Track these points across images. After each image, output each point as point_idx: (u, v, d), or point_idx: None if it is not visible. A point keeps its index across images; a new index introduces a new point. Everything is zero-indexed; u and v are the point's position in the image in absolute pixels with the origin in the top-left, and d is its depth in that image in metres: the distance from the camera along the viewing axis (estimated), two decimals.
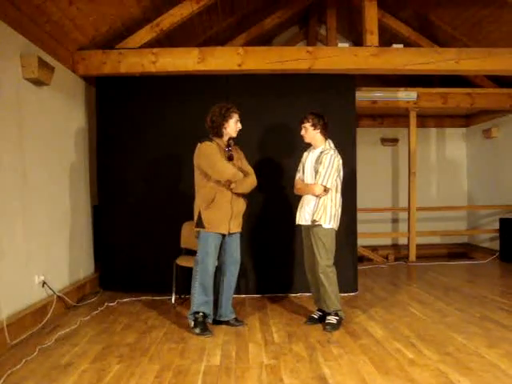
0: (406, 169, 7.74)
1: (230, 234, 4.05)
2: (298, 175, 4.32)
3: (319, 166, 4.05)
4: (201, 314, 3.98)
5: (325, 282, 4.06)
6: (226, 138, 4.09)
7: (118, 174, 5.40)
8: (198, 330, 3.92)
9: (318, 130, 4.16)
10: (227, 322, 4.18)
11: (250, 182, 4.11)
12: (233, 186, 3.96)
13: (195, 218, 4.03)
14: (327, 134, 4.22)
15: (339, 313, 4.12)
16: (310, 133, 4.17)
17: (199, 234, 4.03)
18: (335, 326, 4.02)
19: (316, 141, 4.20)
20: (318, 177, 4.04)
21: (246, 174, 4.07)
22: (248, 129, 5.27)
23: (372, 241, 8.19)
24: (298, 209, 4.26)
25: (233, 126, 4.05)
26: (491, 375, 2.97)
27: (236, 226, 4.09)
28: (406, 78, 7.67)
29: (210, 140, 4.01)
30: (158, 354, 3.46)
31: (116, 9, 4.90)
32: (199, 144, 4.02)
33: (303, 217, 4.18)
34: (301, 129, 4.23)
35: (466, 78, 7.42)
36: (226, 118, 4.01)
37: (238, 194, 4.05)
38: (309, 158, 4.25)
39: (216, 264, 4.09)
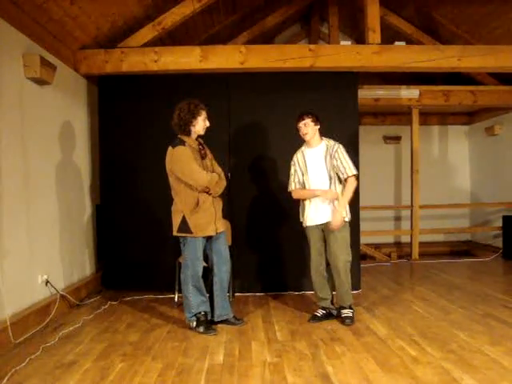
0: (408, 166, 7.73)
1: (217, 234, 4.04)
2: (296, 180, 4.26)
3: (336, 161, 4.07)
4: (202, 313, 3.99)
5: (344, 277, 4.10)
6: (194, 137, 4.00)
7: (121, 173, 5.41)
8: (202, 329, 3.93)
9: (318, 126, 4.16)
10: (226, 321, 4.15)
11: (224, 184, 4.10)
12: (211, 191, 3.93)
13: (177, 223, 3.95)
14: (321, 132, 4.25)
15: (352, 306, 4.21)
16: (313, 128, 4.13)
17: (185, 240, 3.97)
18: (353, 319, 4.11)
19: (315, 138, 4.18)
20: (344, 171, 4.05)
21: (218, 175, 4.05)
22: (250, 127, 5.31)
23: (375, 239, 8.18)
24: (312, 210, 4.17)
25: (201, 124, 3.96)
26: (494, 372, 2.97)
27: (221, 225, 4.09)
28: (408, 76, 7.66)
29: (183, 143, 3.91)
30: (161, 353, 3.47)
31: (118, 7, 4.90)
32: (171, 148, 3.91)
33: (322, 216, 4.13)
34: (298, 128, 4.17)
35: (469, 75, 7.41)
36: (194, 115, 3.91)
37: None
38: (311, 157, 4.20)
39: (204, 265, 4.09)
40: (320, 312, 4.26)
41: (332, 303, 4.30)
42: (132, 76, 5.32)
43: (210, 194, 3.94)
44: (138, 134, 5.38)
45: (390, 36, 6.67)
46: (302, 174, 4.23)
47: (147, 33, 5.26)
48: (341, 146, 4.14)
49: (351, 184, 4.10)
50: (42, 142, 4.40)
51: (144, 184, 5.36)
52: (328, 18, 7.56)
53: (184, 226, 3.91)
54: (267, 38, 8.13)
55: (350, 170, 4.08)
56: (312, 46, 5.28)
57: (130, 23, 5.30)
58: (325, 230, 4.15)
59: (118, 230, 5.43)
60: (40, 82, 4.27)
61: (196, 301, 3.98)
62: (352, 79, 5.43)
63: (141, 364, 3.25)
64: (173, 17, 5.25)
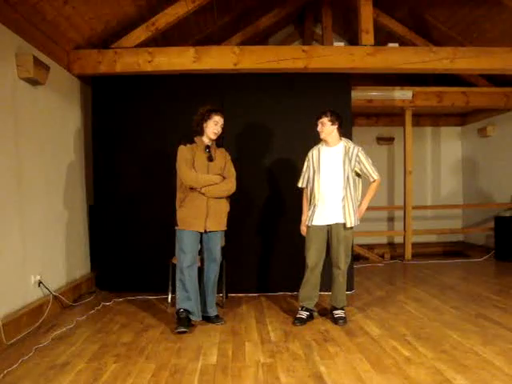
0: (401, 167, 7.77)
1: (207, 232, 4.11)
2: (306, 177, 4.29)
3: (359, 164, 4.15)
4: (181, 310, 4.04)
5: (343, 278, 4.21)
6: (205, 139, 4.15)
7: (114, 174, 5.39)
8: (175, 326, 4.01)
9: (336, 126, 4.16)
10: (207, 318, 4.23)
11: (223, 187, 4.11)
12: (203, 190, 4.01)
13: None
14: (341, 132, 4.26)
15: (344, 307, 4.28)
16: (328, 128, 4.13)
17: (176, 232, 4.13)
18: (346, 320, 4.15)
19: (333, 137, 4.18)
20: (371, 174, 4.18)
21: (222, 178, 4.14)
22: (243, 128, 5.32)
23: (368, 239, 8.22)
24: (320, 209, 4.15)
25: (210, 128, 4.09)
26: (486, 372, 2.99)
27: (214, 225, 4.12)
28: (401, 77, 7.70)
29: (186, 142, 4.09)
30: (154, 353, 3.46)
31: (111, 8, 4.89)
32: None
33: (330, 216, 4.13)
34: (317, 124, 4.18)
35: (461, 76, 7.45)
36: (205, 118, 4.08)
37: None
38: (326, 156, 4.19)
39: (197, 262, 4.16)
40: (304, 314, 4.23)
41: (315, 305, 4.32)
42: (126, 76, 5.31)
43: (202, 194, 4.02)
44: (131, 135, 5.37)
45: (383, 37, 6.70)
46: (314, 172, 4.21)
47: (141, 33, 5.25)
48: (361, 149, 4.18)
49: (373, 189, 4.25)
50: (35, 142, 4.39)
51: (137, 184, 5.36)
52: (321, 19, 7.57)
53: (175, 219, 4.11)
54: (261, 39, 8.13)
55: (372, 175, 4.20)
56: (305, 47, 5.30)
57: (123, 24, 5.29)
58: (330, 231, 4.17)
59: (111, 231, 5.42)
60: (33, 82, 4.26)
61: (180, 296, 4.06)
62: (345, 80, 5.45)
63: (134, 365, 3.24)
64: (166, 17, 5.25)
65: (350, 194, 4.12)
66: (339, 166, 4.13)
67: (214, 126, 4.10)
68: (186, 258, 4.03)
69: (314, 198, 4.18)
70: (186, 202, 4.05)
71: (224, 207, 4.20)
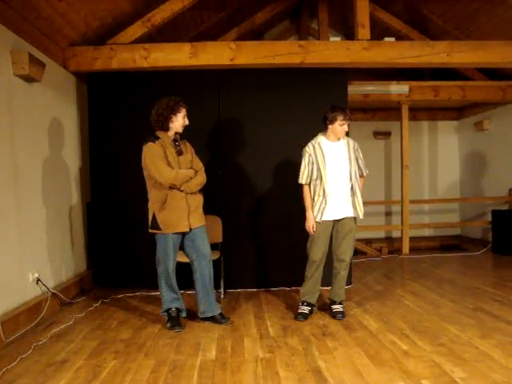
0: (398, 162, 7.77)
1: (191, 229, 3.99)
2: (310, 174, 4.16)
3: (357, 159, 4.23)
4: (173, 309, 4.03)
5: (344, 273, 4.24)
6: (171, 134, 3.96)
7: (111, 171, 5.38)
8: (168, 325, 3.97)
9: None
10: (212, 319, 4.10)
11: (198, 181, 3.99)
12: (183, 187, 3.87)
13: (149, 220, 3.96)
14: None
15: (343, 302, 4.30)
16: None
17: (156, 236, 3.97)
18: (344, 314, 4.17)
19: None
20: (364, 168, 4.32)
21: (195, 172, 4.00)
22: (240, 123, 5.31)
23: (365, 234, 8.22)
24: (331, 204, 4.10)
25: (180, 121, 3.93)
26: (484, 365, 3.00)
27: (197, 221, 4.00)
28: (397, 72, 7.69)
29: (155, 139, 3.87)
30: (153, 350, 3.47)
31: (107, 4, 4.87)
32: (143, 145, 3.90)
33: (340, 211, 4.12)
34: (340, 124, 4.08)
35: (458, 70, 7.44)
36: (173, 111, 3.90)
37: None
38: (331, 150, 4.13)
39: (176, 262, 4.07)
40: (306, 309, 4.23)
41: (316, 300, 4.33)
42: (121, 73, 5.29)
43: (181, 191, 3.89)
44: (128, 131, 5.33)
45: (379, 32, 6.70)
46: (318, 168, 4.11)
47: (137, 29, 5.23)
48: (357, 144, 4.28)
49: (362, 183, 4.37)
50: (31, 139, 4.37)
51: (134, 181, 5.31)
52: (317, 14, 7.55)
53: (154, 223, 3.92)
54: (257, 35, 8.11)
55: (366, 169, 4.34)
56: (302, 43, 5.28)
57: (119, 20, 5.27)
58: (336, 224, 4.18)
59: (109, 228, 5.41)
60: (28, 79, 4.24)
61: (168, 297, 4.03)
62: (342, 75, 5.44)
63: (133, 361, 3.25)
64: (162, 13, 5.23)
65: (358, 186, 4.17)
66: (346, 159, 4.13)
67: (183, 120, 3.94)
68: (170, 261, 3.98)
69: (323, 193, 4.10)
70: (168, 203, 3.87)
71: (201, 201, 4.07)
